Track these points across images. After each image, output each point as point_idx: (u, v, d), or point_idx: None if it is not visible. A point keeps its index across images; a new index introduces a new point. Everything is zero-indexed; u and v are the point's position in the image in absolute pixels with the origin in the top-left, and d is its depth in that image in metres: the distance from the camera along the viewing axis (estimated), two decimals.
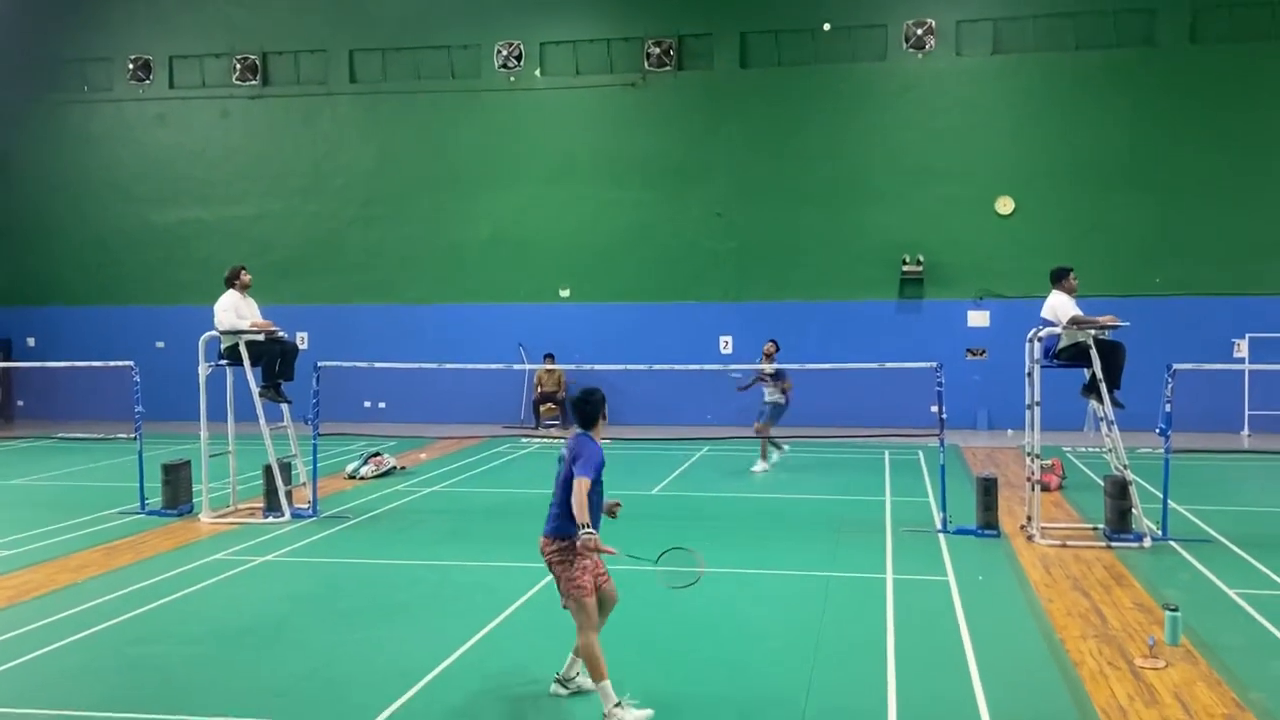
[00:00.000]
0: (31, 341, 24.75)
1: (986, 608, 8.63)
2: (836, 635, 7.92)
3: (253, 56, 23.97)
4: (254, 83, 24.01)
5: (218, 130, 24.22)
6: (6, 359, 23.80)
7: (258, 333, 12.54)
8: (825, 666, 7.22)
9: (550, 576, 6.72)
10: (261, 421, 12.58)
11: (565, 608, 6.52)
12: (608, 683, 6.27)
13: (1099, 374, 11.00)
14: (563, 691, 6.65)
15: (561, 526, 6.47)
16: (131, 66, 24.44)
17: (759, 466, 16.20)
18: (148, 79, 24.46)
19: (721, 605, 8.78)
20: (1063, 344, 11.27)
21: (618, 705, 6.20)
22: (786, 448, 16.87)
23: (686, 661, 7.31)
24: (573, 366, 19.58)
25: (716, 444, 19.08)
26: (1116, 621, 8.16)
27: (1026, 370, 11.47)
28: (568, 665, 6.73)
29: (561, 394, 22.13)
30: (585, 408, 6.67)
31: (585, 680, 6.58)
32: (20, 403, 24.95)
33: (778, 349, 16.30)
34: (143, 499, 12.99)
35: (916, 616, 8.37)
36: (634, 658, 7.33)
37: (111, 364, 14.77)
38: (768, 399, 16.23)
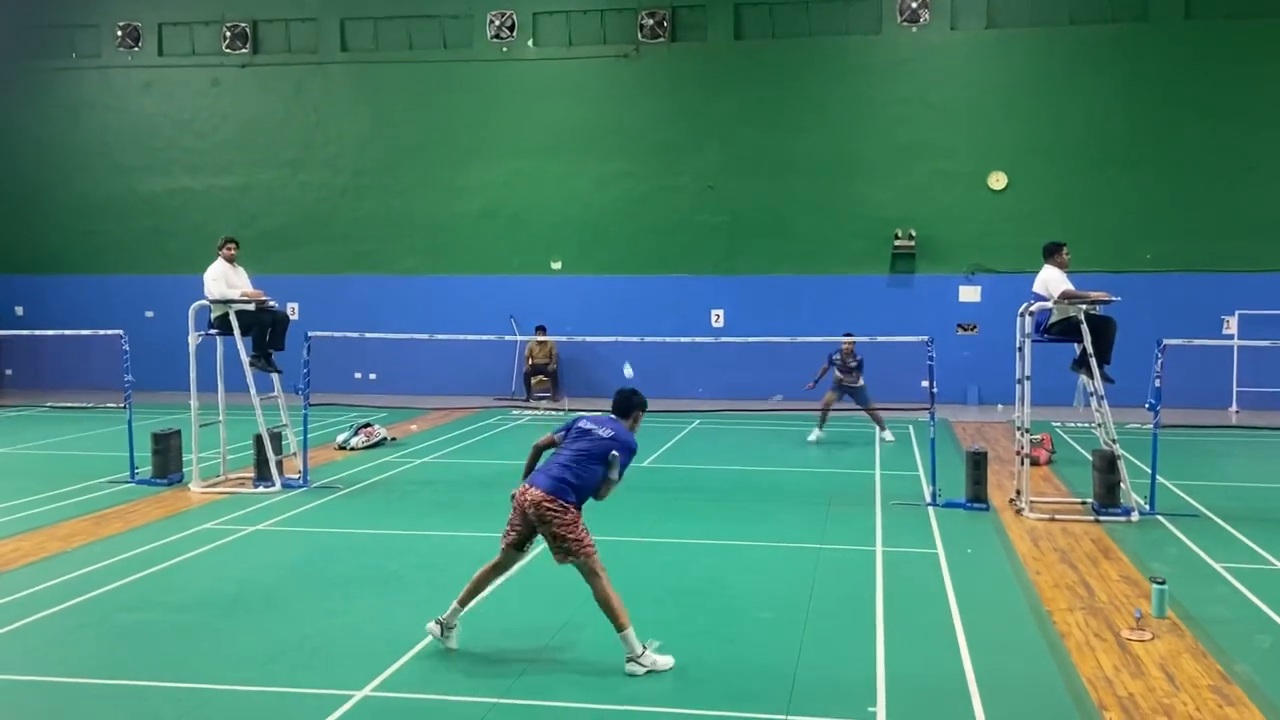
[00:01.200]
0: (20, 310, 24.60)
1: (975, 580, 8.68)
2: (826, 607, 7.96)
3: (243, 24, 23.74)
4: (244, 51, 23.79)
5: (207, 99, 24.01)
6: None
7: (248, 302, 12.50)
8: (815, 637, 7.26)
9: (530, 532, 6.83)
10: (252, 391, 12.56)
11: (565, 563, 6.67)
12: (630, 630, 6.51)
13: (1089, 349, 11.03)
14: (640, 670, 6.49)
15: (570, 493, 6.64)
16: (120, 33, 24.20)
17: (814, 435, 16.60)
18: (136, 46, 24.22)
19: (712, 577, 8.82)
20: (1054, 319, 11.28)
21: (645, 651, 6.50)
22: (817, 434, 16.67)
23: (677, 633, 7.33)
24: (564, 338, 19.54)
25: (708, 417, 19.09)
26: (1103, 594, 8.21)
27: (1017, 345, 11.49)
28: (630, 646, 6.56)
29: (553, 366, 22.12)
30: (633, 399, 7.05)
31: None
32: (8, 372, 24.84)
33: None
34: (132, 468, 12.96)
35: (906, 588, 8.42)
36: None
37: (100, 333, 14.68)
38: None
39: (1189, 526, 10.51)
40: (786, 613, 7.78)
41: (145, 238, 24.12)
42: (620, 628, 6.52)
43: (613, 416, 7.03)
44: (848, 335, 16.27)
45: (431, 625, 6.96)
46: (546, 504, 6.59)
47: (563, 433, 6.97)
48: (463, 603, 6.98)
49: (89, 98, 24.38)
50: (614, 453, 6.74)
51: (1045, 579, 8.67)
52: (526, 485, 6.72)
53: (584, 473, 6.71)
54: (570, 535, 6.60)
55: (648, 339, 15.29)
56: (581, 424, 6.93)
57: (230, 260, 12.62)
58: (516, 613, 7.80)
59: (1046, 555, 9.46)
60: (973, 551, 9.63)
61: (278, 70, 23.74)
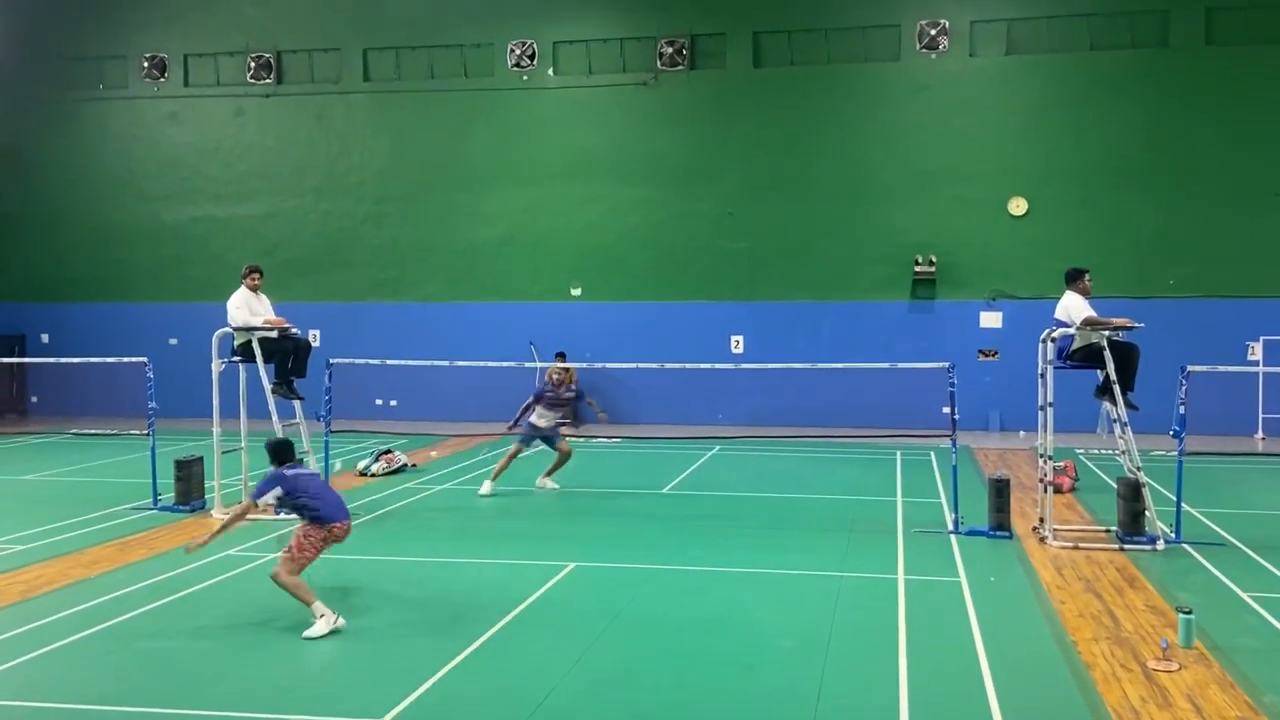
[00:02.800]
0: (45, 338, 24.85)
1: (998, 609, 8.60)
2: (848, 635, 7.90)
3: (267, 55, 24.04)
4: (268, 81, 24.08)
5: (231, 128, 24.30)
6: (21, 355, 23.93)
7: (270, 330, 12.56)
8: (837, 666, 7.20)
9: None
10: (274, 418, 12.58)
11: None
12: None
13: (1113, 376, 10.95)
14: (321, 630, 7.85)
15: None
16: (146, 64, 24.55)
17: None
18: (162, 77, 24.57)
19: (733, 605, 8.77)
20: (1076, 345, 11.22)
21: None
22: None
23: (699, 660, 7.29)
24: (584, 365, 19.56)
25: (727, 443, 19.05)
26: (1129, 624, 8.12)
27: (1039, 371, 11.43)
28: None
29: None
30: (281, 445, 8.59)
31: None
32: (34, 398, 25.08)
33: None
34: (155, 495, 13.04)
35: (928, 617, 8.35)
36: (648, 656, 7.33)
37: (125, 360, 14.81)
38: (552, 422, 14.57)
39: (1215, 555, 10.39)
40: (808, 641, 7.73)
41: (170, 266, 24.37)
42: (309, 602, 7.90)
43: (293, 465, 8.47)
44: (560, 356, 14.13)
45: (331, 619, 7.89)
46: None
47: (281, 492, 8.31)
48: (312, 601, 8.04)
49: (116, 128, 24.72)
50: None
51: (1070, 608, 8.58)
52: (340, 523, 8.31)
53: None
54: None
55: (668, 365, 15.30)
56: (297, 475, 8.38)
57: (254, 288, 12.70)
58: (540, 641, 7.77)
59: (1071, 584, 9.36)
60: (996, 580, 9.55)
61: (301, 100, 24.01)
